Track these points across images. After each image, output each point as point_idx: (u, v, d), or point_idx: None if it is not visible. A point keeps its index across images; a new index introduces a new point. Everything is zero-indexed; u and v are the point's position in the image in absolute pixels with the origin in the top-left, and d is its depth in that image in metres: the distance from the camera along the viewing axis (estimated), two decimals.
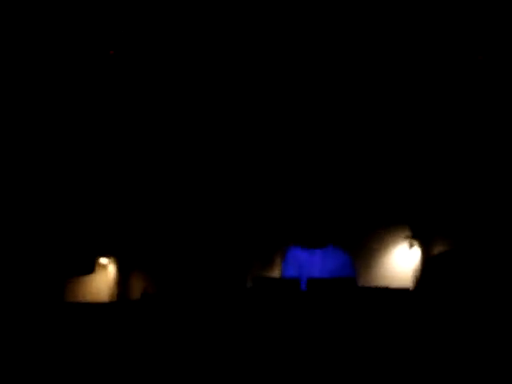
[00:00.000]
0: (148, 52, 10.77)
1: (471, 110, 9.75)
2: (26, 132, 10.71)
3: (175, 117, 11.04)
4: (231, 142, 10.94)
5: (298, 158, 10.68)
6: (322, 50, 10.39)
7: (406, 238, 9.97)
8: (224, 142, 10.97)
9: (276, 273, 10.50)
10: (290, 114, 10.69)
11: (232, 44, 10.56)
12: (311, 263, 9.55)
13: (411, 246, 9.90)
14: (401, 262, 10.04)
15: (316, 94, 10.56)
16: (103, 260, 11.40)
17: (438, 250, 9.75)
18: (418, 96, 10.06)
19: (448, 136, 10.08)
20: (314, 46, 10.38)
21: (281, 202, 10.66)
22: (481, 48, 9.50)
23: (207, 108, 10.88)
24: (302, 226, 10.30)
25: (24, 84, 10.59)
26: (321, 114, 10.59)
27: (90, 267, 11.21)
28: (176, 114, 11.02)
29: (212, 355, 7.08)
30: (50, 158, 10.95)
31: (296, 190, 10.58)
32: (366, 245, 10.06)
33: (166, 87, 10.89)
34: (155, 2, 10.33)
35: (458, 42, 9.65)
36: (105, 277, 11.44)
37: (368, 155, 10.36)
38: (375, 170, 10.29)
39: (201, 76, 10.76)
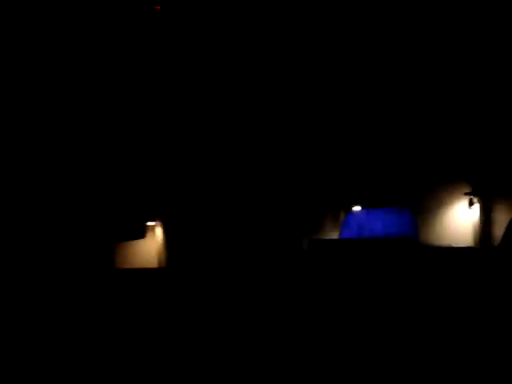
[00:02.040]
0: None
1: None
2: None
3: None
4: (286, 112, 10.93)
5: (358, 119, 10.52)
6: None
7: (466, 195, 9.79)
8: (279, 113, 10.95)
9: (328, 235, 10.34)
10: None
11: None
12: (372, 223, 9.33)
13: (471, 203, 9.70)
14: (461, 219, 9.85)
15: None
16: (151, 223, 11.47)
17: (498, 207, 9.54)
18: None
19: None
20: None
21: (340, 163, 10.48)
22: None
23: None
24: (362, 186, 10.12)
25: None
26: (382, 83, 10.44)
27: (141, 231, 11.29)
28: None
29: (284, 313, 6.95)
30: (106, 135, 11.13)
31: (355, 150, 10.40)
32: (425, 203, 9.93)
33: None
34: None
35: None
36: (153, 241, 11.47)
37: (428, 113, 10.16)
38: (435, 126, 10.09)
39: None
